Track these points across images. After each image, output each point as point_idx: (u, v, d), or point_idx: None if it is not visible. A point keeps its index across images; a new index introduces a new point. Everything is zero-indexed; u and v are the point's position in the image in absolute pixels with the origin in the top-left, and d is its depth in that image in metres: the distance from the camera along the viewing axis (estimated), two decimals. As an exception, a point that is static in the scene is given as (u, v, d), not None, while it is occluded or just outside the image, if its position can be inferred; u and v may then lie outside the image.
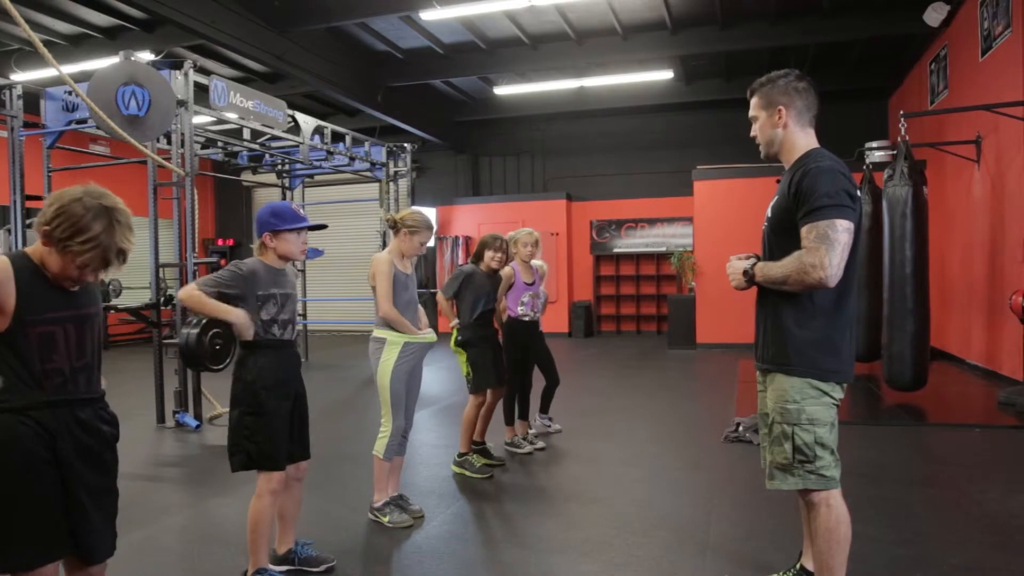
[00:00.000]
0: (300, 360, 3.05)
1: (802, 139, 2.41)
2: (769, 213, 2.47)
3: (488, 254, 4.51)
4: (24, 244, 6.67)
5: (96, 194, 1.90)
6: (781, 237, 2.36)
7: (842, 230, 2.19)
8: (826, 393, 2.32)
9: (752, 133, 2.51)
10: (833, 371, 2.32)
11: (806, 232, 2.23)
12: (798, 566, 2.72)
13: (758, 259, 2.46)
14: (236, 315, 2.78)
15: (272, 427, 2.84)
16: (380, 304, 3.50)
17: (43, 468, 1.87)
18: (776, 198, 2.44)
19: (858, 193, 2.30)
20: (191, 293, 2.80)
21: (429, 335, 3.65)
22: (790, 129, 2.40)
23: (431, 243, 13.93)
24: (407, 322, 3.54)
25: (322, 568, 3.04)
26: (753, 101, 2.48)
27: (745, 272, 2.39)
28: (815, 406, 2.31)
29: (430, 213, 13.92)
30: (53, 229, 1.85)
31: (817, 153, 2.36)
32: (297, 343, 3.03)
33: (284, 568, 3.03)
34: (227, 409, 6.20)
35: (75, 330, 1.96)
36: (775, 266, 2.31)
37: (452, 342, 4.52)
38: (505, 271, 4.88)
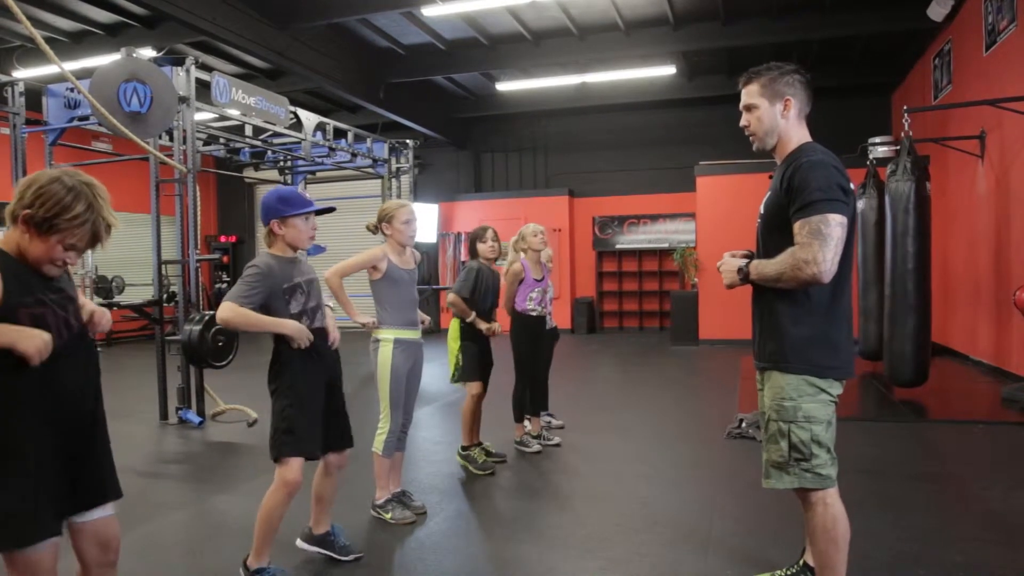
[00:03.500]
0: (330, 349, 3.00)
1: (797, 133, 2.39)
2: (762, 210, 2.44)
3: (481, 246, 4.50)
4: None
5: (71, 173, 1.89)
6: (775, 234, 2.34)
7: (835, 224, 2.16)
8: (823, 390, 2.29)
9: (744, 123, 2.44)
10: (831, 367, 2.29)
11: (799, 228, 2.20)
12: (801, 562, 2.72)
13: (753, 256, 2.44)
14: (288, 326, 2.74)
15: (302, 417, 2.82)
16: (331, 270, 3.49)
17: (41, 441, 1.87)
18: (768, 194, 2.41)
19: (851, 186, 2.26)
20: (235, 311, 2.68)
21: (415, 333, 3.65)
22: (791, 122, 2.37)
23: (433, 239, 13.96)
24: (347, 299, 3.55)
25: (351, 558, 3.08)
26: (752, 89, 2.39)
27: (740, 270, 2.36)
28: (812, 403, 2.28)
29: (432, 209, 13.93)
30: (36, 211, 1.82)
31: (809, 147, 2.33)
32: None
33: (316, 549, 3.08)
34: (230, 406, 6.25)
35: (62, 311, 1.95)
36: (769, 263, 2.28)
37: (453, 334, 4.50)
38: (514, 267, 4.87)
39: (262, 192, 15.62)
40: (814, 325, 2.28)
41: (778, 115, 2.36)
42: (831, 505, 2.31)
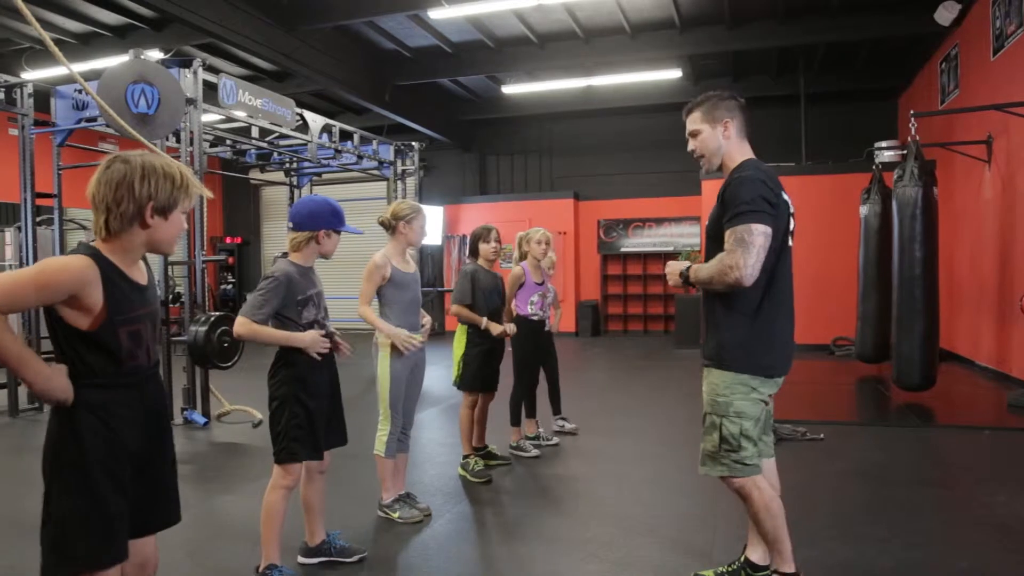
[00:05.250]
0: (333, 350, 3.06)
1: (739, 151, 2.60)
2: (707, 221, 2.63)
3: (484, 247, 4.48)
4: (35, 241, 6.70)
5: (137, 154, 1.86)
6: (715, 242, 2.53)
7: (757, 233, 2.37)
8: (755, 388, 2.49)
9: (691, 147, 2.66)
10: (762, 367, 2.49)
11: (727, 236, 2.42)
12: (742, 558, 2.80)
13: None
14: (303, 340, 2.80)
15: (308, 421, 2.86)
16: (359, 302, 3.52)
17: (118, 465, 1.81)
18: (713, 207, 2.60)
19: (781, 199, 2.46)
20: (248, 328, 2.77)
21: (416, 336, 3.64)
22: (732, 141, 2.59)
23: (438, 241, 13.97)
24: (376, 318, 3.53)
25: (355, 558, 3.10)
26: (695, 116, 2.63)
27: (681, 273, 2.59)
28: (743, 401, 2.49)
29: (437, 212, 13.94)
30: (159, 197, 1.81)
31: (745, 164, 2.55)
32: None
33: (318, 560, 3.08)
34: (235, 407, 6.25)
35: (151, 326, 1.94)
36: (704, 268, 2.51)
37: (458, 341, 4.49)
38: (515, 271, 4.87)
39: (268, 194, 15.69)
40: (748, 327, 2.48)
41: (720, 136, 2.59)
42: (762, 488, 2.52)
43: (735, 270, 2.35)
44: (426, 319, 3.74)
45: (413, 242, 3.62)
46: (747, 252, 2.34)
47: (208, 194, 1.99)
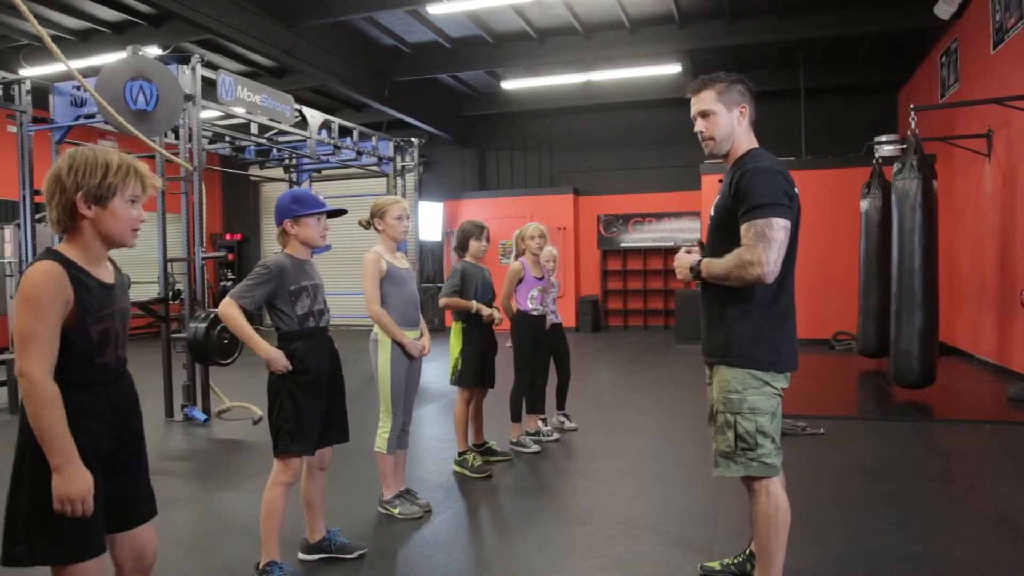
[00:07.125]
0: (334, 346, 3.05)
1: (747, 139, 2.50)
2: (712, 212, 2.55)
3: (475, 244, 4.45)
4: (34, 239, 6.70)
5: (87, 148, 1.84)
6: (723, 234, 2.44)
7: (779, 228, 2.28)
8: (767, 383, 2.40)
9: (700, 128, 2.50)
10: (772, 362, 2.40)
11: (745, 230, 2.31)
12: (748, 551, 2.81)
13: (703, 247, 2.56)
14: (268, 353, 2.79)
15: (300, 415, 2.85)
16: (367, 304, 3.50)
17: (86, 463, 1.80)
18: (718, 197, 2.51)
19: (796, 192, 2.37)
20: (230, 312, 2.79)
21: (414, 333, 3.63)
22: (743, 128, 2.49)
23: (438, 238, 13.96)
24: (391, 322, 3.50)
25: (355, 555, 3.10)
26: (707, 96, 2.46)
27: (691, 268, 2.49)
28: (756, 396, 2.40)
29: (436, 208, 13.93)
30: (88, 184, 1.76)
31: (756, 153, 2.45)
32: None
33: (318, 556, 3.08)
34: (235, 403, 6.25)
35: (121, 324, 1.93)
36: (717, 263, 2.40)
37: (455, 336, 4.47)
38: (513, 266, 4.88)
39: (267, 190, 15.69)
40: (757, 322, 2.40)
41: (735, 121, 2.47)
42: (773, 493, 2.43)
43: (756, 266, 2.25)
44: (424, 336, 3.70)
45: (394, 235, 3.58)
46: (769, 248, 2.25)
47: (158, 182, 1.93)
